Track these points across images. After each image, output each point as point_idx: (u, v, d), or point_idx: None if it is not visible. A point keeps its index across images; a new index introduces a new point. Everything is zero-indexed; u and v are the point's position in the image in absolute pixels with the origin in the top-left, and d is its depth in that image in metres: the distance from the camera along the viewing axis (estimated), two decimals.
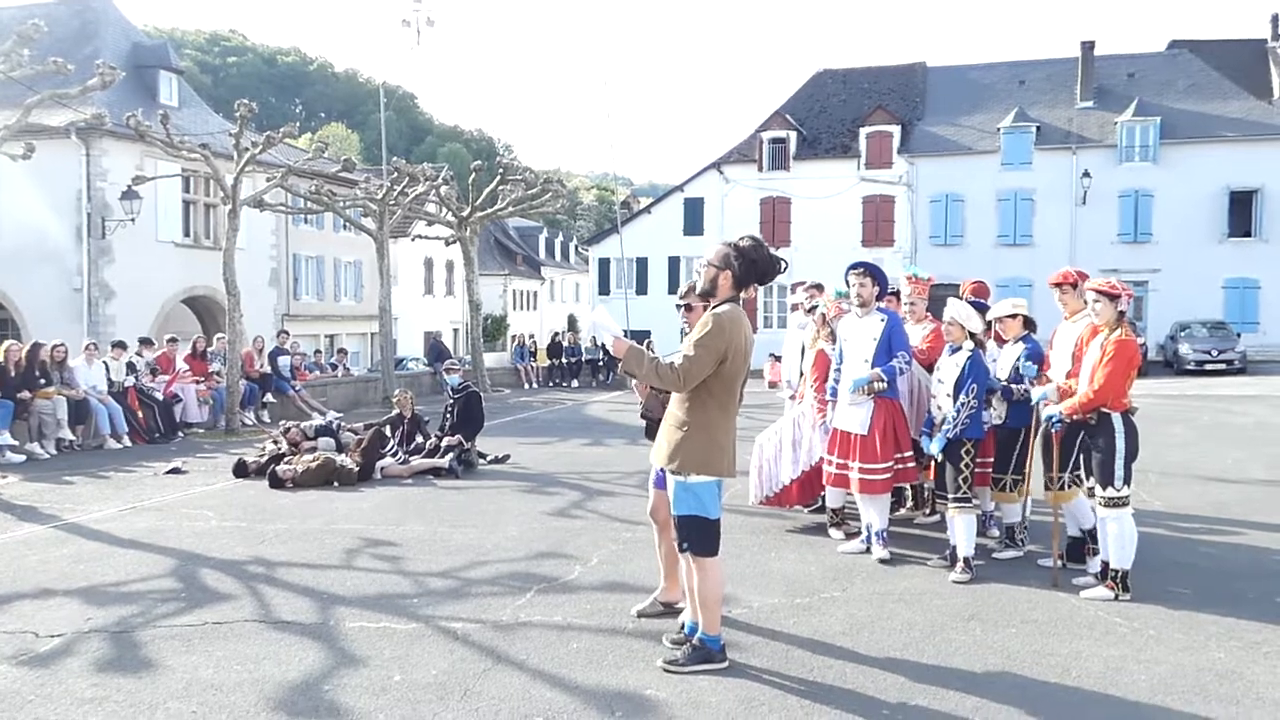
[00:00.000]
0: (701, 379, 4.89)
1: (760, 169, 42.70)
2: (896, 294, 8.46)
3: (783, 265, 5.13)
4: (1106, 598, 6.21)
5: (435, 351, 30.24)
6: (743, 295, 5.08)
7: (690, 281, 5.57)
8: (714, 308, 5.00)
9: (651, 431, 5.82)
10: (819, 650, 5.36)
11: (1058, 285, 7.06)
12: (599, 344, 32.28)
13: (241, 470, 11.79)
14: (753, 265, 4.99)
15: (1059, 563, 6.74)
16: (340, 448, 12.30)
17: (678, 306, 5.54)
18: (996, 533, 7.70)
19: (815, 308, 8.56)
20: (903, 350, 7.36)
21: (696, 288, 5.31)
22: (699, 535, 5.01)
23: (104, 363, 15.89)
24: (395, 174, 25.14)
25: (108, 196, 26.42)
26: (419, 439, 12.60)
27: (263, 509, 9.81)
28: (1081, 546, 7.00)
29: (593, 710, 4.59)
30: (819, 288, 9.05)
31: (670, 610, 5.85)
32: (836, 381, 7.68)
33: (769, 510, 8.82)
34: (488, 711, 4.58)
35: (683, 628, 5.32)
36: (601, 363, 31.23)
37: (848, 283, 7.62)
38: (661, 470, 5.72)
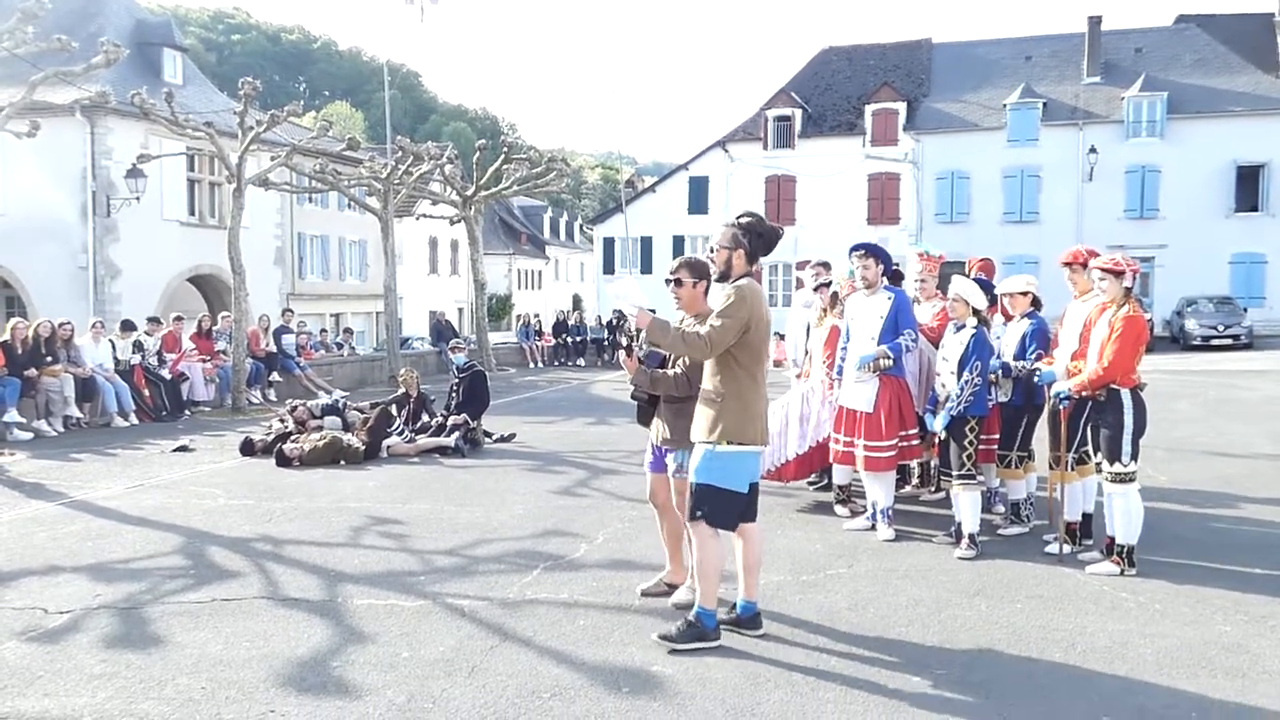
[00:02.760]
0: (726, 346, 5.00)
1: (765, 147, 42.55)
2: (897, 274, 8.33)
3: (782, 231, 5.34)
4: (1112, 573, 6.22)
5: (439, 331, 30.24)
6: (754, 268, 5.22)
7: (682, 258, 5.57)
8: (734, 282, 5.11)
9: (643, 414, 5.80)
10: (824, 627, 5.38)
11: (1068, 264, 7.02)
12: (604, 322, 32.30)
13: (248, 449, 11.82)
14: (760, 238, 5.18)
15: (1062, 546, 6.72)
16: (346, 426, 12.32)
17: (667, 281, 5.51)
18: (1001, 509, 7.70)
19: (827, 285, 8.55)
20: (909, 328, 7.35)
21: (711, 272, 5.34)
22: (715, 505, 5.04)
23: (110, 341, 15.91)
24: (400, 153, 25.06)
25: (113, 175, 26.36)
26: (425, 418, 12.63)
27: (270, 487, 9.84)
28: (1089, 522, 6.99)
29: (599, 686, 4.61)
30: (825, 266, 9.03)
31: (675, 591, 5.86)
32: (843, 360, 7.67)
33: (775, 488, 8.83)
34: (495, 688, 4.60)
35: (733, 607, 5.30)
36: (607, 342, 31.20)
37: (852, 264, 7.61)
38: (659, 450, 5.73)
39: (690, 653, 4.95)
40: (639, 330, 5.17)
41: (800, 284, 9.73)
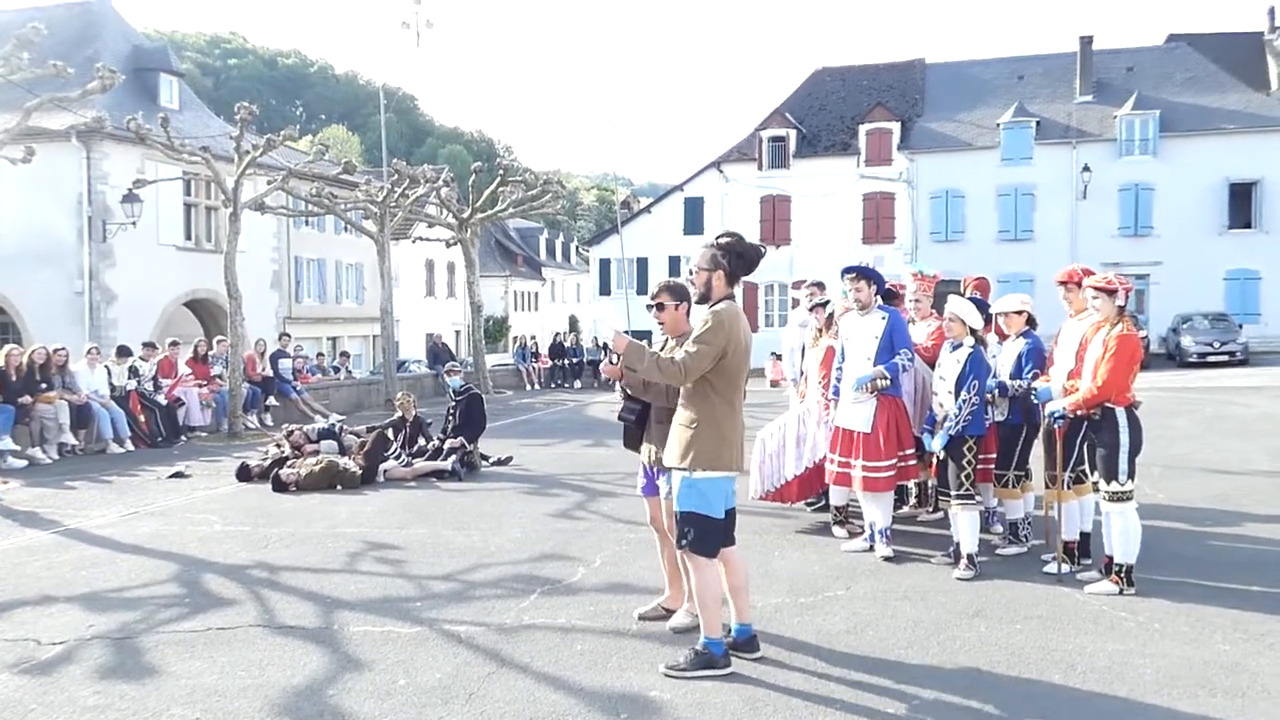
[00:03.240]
0: (702, 373, 4.95)
1: (760, 167, 42.68)
2: (893, 293, 8.36)
3: (764, 250, 5.28)
4: (1111, 592, 6.20)
5: (436, 353, 30.24)
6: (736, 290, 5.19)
7: (662, 282, 5.56)
8: (712, 306, 5.06)
9: (630, 438, 5.77)
10: (823, 649, 5.35)
11: (1063, 283, 7.03)
12: (601, 344, 32.30)
13: (244, 474, 11.78)
14: (739, 258, 5.12)
15: (1060, 566, 6.70)
16: (343, 451, 12.28)
17: (648, 307, 5.51)
18: (1000, 529, 7.68)
19: (824, 304, 8.56)
20: (905, 348, 7.35)
21: (691, 294, 5.31)
22: (699, 533, 5.01)
23: (106, 367, 15.89)
24: (396, 176, 25.15)
25: (109, 200, 26.43)
26: (421, 441, 12.60)
27: (266, 513, 9.80)
28: (1088, 541, 6.97)
29: (597, 712, 4.58)
30: (820, 286, 9.05)
31: (672, 616, 5.84)
32: (839, 380, 7.67)
33: (773, 509, 8.82)
34: (493, 715, 4.57)
35: (729, 632, 5.26)
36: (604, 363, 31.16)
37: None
38: (651, 472, 5.71)
39: (691, 678, 4.92)
40: (617, 355, 5.16)
41: (796, 303, 9.74)
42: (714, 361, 4.94)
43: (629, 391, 5.62)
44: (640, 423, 5.66)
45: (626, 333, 5.17)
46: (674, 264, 42.43)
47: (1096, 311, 6.35)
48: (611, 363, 5.49)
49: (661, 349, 5.52)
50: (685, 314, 5.48)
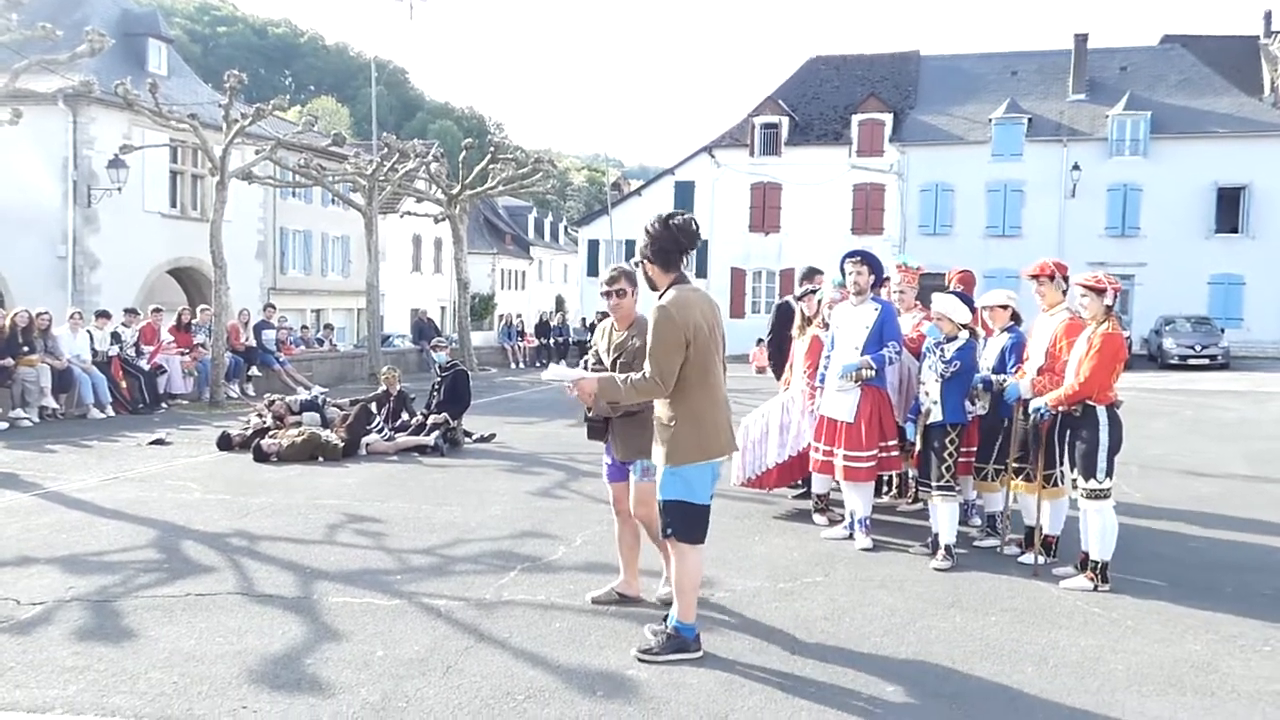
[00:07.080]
0: (675, 372, 4.82)
1: (752, 154, 42.60)
2: (886, 281, 8.42)
3: (694, 222, 5.00)
4: (1086, 588, 6.26)
5: (421, 329, 30.17)
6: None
7: (616, 269, 5.49)
8: (660, 297, 4.94)
9: (595, 432, 5.73)
10: (800, 634, 5.40)
11: (1035, 277, 7.05)
12: (587, 324, 32.29)
13: (225, 443, 11.76)
14: (666, 237, 4.92)
15: (1038, 557, 6.76)
16: (325, 423, 12.27)
17: (606, 294, 5.42)
18: (978, 521, 7.74)
19: (813, 293, 8.59)
20: (894, 340, 7.38)
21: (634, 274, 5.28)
22: (683, 521, 4.97)
23: (88, 332, 15.81)
24: (385, 150, 25.01)
25: (94, 165, 26.19)
26: (405, 416, 12.59)
27: (246, 482, 9.79)
28: (1041, 537, 7.00)
29: (574, 690, 4.61)
30: (818, 272, 9.14)
31: (626, 601, 5.86)
32: (826, 368, 7.70)
33: (753, 495, 8.85)
34: (469, 688, 4.59)
35: (665, 620, 5.24)
36: (589, 344, 31.15)
37: (843, 271, 7.64)
38: (617, 463, 5.71)
39: (663, 663, 4.94)
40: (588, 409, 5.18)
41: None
42: (681, 355, 4.79)
43: (593, 419, 5.65)
44: (606, 419, 5.65)
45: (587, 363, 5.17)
46: None
47: (1084, 310, 6.39)
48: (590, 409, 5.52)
49: (608, 337, 5.54)
50: (634, 302, 5.49)
